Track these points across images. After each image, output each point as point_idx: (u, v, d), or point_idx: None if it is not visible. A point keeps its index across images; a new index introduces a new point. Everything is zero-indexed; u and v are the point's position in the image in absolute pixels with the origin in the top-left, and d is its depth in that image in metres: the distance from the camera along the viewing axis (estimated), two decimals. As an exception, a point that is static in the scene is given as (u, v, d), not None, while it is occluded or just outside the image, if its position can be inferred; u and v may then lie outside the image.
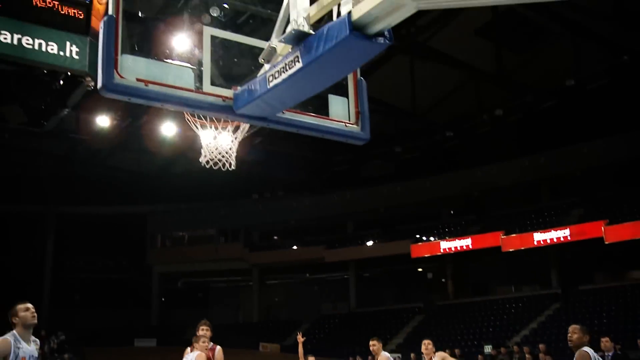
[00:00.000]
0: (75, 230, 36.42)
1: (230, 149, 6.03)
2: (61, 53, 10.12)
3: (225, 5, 6.57)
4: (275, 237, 37.84)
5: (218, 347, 7.60)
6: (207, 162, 6.16)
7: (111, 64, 4.80)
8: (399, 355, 23.08)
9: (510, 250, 26.73)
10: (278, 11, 5.02)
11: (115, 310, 35.10)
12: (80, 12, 10.54)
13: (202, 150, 6.27)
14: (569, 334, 5.91)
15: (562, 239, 24.97)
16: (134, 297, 37.18)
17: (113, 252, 37.36)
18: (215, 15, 6.13)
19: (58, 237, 35.96)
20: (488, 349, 21.20)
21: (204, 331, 7.51)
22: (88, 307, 35.69)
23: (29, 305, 4.89)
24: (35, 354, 4.87)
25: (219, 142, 6.06)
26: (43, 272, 35.40)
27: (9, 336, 4.68)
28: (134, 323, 35.53)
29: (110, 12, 4.85)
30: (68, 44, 10.23)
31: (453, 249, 28.61)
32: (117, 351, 30.42)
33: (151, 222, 37.42)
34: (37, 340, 5.00)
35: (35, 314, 4.90)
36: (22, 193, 33.40)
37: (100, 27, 4.85)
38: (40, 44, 9.89)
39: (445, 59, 23.24)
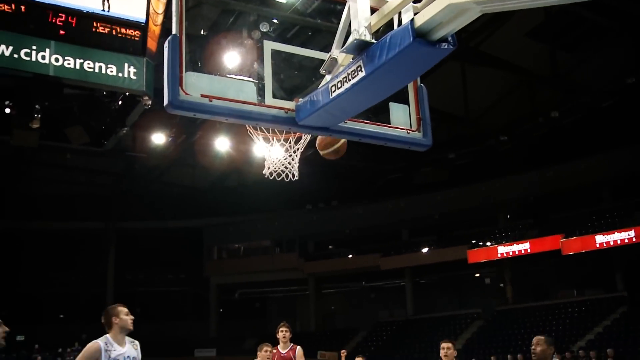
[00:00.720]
0: (134, 245, 37.28)
1: (292, 159, 6.06)
2: (120, 74, 10.43)
3: (275, 20, 6.63)
4: (330, 247, 37.86)
5: (298, 347, 7.80)
6: (271, 173, 6.20)
7: (176, 81, 4.89)
8: (460, 362, 22.71)
9: (571, 253, 26.02)
10: (327, 22, 5.03)
11: (175, 321, 35.71)
12: (136, 34, 10.84)
13: (265, 162, 6.32)
14: (533, 346, 5.44)
15: (626, 240, 24.18)
16: (193, 308, 37.78)
17: (171, 266, 38.07)
18: (265, 30, 6.19)
19: (119, 252, 36.85)
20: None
21: (283, 332, 7.77)
22: (149, 319, 36.35)
23: (128, 310, 5.00)
24: (134, 354, 4.99)
25: (281, 154, 6.09)
26: (106, 286, 36.31)
27: (100, 340, 4.77)
28: (194, 334, 36.05)
29: (174, 31, 4.94)
30: (126, 65, 10.54)
31: (511, 253, 28.06)
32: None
33: (207, 235, 37.98)
34: (136, 341, 5.05)
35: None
36: (84, 211, 34.40)
37: (165, 46, 4.95)
38: (100, 67, 10.21)
39: (497, 62, 22.90)
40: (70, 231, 35.27)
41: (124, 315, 4.86)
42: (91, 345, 4.66)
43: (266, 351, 7.74)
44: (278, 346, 8.38)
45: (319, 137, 5.89)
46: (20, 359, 29.51)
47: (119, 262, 36.80)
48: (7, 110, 10.96)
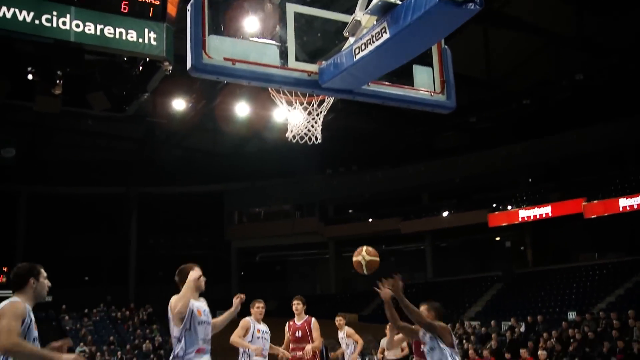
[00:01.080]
0: (156, 210, 37.71)
1: (315, 123, 6.05)
2: (140, 40, 10.40)
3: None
4: (350, 211, 37.97)
5: (313, 319, 7.93)
6: (293, 137, 6.20)
7: (199, 45, 4.88)
8: (478, 322, 22.86)
9: (593, 217, 25.84)
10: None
11: (198, 285, 36.18)
12: (156, 0, 10.76)
13: (288, 126, 6.32)
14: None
15: (650, 203, 23.94)
16: (215, 272, 38.19)
17: (193, 230, 38.49)
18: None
19: (141, 216, 37.29)
20: (572, 315, 20.66)
21: (295, 305, 7.88)
22: (172, 282, 36.90)
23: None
24: (206, 308, 5.40)
25: (304, 117, 6.08)
26: (129, 250, 36.88)
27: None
28: (215, 296, 36.47)
29: (196, -5, 4.91)
30: (146, 30, 10.49)
31: (532, 217, 27.93)
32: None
33: (228, 200, 38.27)
34: (203, 299, 5.32)
35: None
36: (106, 176, 34.76)
37: (188, 9, 4.93)
38: (120, 33, 10.18)
39: (520, 25, 22.46)
40: (92, 196, 35.73)
41: (199, 278, 5.17)
42: (182, 299, 4.96)
43: (258, 307, 7.91)
44: (294, 318, 8.52)
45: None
46: (48, 320, 30.24)
47: (141, 227, 37.28)
48: (30, 77, 11.00)
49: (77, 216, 35.33)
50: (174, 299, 4.81)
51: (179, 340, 4.59)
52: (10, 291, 3.92)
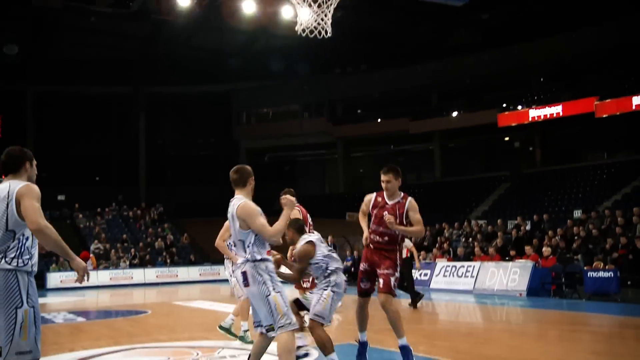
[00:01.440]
0: (164, 110, 37.65)
1: (325, 15, 5.85)
2: None
3: None
4: (359, 111, 37.74)
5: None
6: (303, 30, 6.01)
7: None
8: (485, 221, 23.19)
9: (604, 116, 25.58)
10: None
11: (206, 185, 36.64)
12: None
13: (297, 19, 6.12)
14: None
15: (663, 102, 23.58)
16: (224, 172, 38.38)
17: (201, 130, 38.52)
18: None
19: (149, 116, 37.24)
20: (577, 213, 20.90)
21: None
22: (181, 183, 37.48)
23: None
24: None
25: (314, 10, 5.88)
26: (138, 150, 37.09)
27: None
28: (225, 197, 37.01)
29: None
30: None
31: (542, 117, 27.69)
32: (211, 222, 32.05)
33: (236, 100, 38.05)
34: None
35: None
36: (113, 75, 34.39)
37: None
38: None
39: None
40: (100, 96, 35.58)
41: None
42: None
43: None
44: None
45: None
46: (63, 217, 30.93)
47: (150, 127, 37.31)
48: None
49: (85, 116, 35.35)
50: (251, 209, 4.59)
51: (250, 245, 4.51)
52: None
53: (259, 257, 4.63)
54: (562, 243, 16.63)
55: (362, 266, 5.69)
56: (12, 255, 3.50)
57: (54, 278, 23.56)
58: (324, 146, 37.76)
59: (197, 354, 6.84)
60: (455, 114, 32.12)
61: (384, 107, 35.35)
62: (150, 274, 25.03)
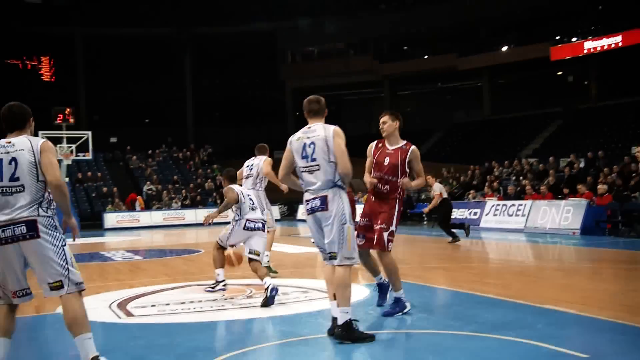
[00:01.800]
0: (208, 52, 37.59)
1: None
2: None
3: None
4: (405, 48, 36.94)
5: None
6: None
7: None
8: (536, 159, 22.69)
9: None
10: None
11: (252, 126, 36.83)
12: None
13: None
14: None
15: None
16: (270, 112, 38.63)
17: (246, 71, 38.44)
18: None
19: (194, 58, 37.31)
20: (635, 149, 20.20)
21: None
22: (228, 124, 37.76)
23: None
24: None
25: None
26: (185, 92, 37.37)
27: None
28: (272, 137, 37.26)
29: None
30: None
31: (599, 48, 26.56)
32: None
33: (281, 39, 37.71)
34: None
35: None
36: (158, 17, 34.40)
37: None
38: None
39: None
40: (145, 37, 35.66)
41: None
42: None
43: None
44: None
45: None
46: (116, 159, 31.68)
47: (195, 69, 37.45)
48: None
49: (134, 58, 35.65)
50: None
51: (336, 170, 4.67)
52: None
53: (340, 184, 4.67)
54: (619, 180, 16.16)
55: (362, 221, 5.57)
56: (46, 206, 3.77)
57: (111, 218, 24.35)
58: (370, 85, 37.31)
59: (251, 292, 7.00)
60: (505, 48, 31.18)
61: (431, 43, 34.50)
62: (201, 214, 25.48)
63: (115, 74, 35.38)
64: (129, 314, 5.90)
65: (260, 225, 6.86)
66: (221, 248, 6.99)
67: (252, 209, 6.92)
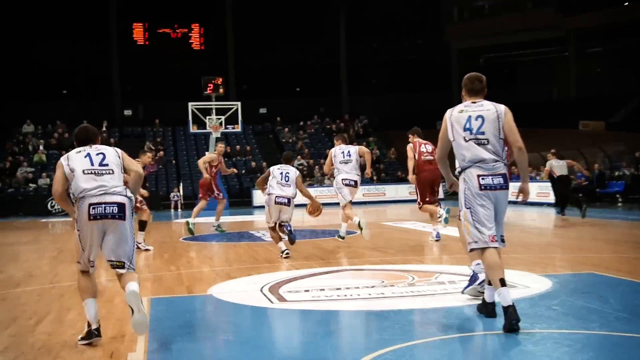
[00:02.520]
0: (364, 11, 37.65)
1: None
2: None
3: None
4: (597, -5, 34.69)
5: None
6: None
7: None
8: None
9: None
10: None
11: (413, 93, 36.53)
12: None
13: None
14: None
15: None
16: (433, 78, 38.10)
17: (407, 31, 38.13)
18: None
19: (349, 19, 37.57)
20: None
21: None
22: (385, 91, 37.75)
23: None
24: None
25: None
26: (339, 56, 37.83)
27: None
28: (434, 106, 36.75)
29: None
30: None
31: None
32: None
33: (446, -6, 37.03)
34: None
35: None
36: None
37: None
38: None
39: None
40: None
41: None
42: None
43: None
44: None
45: None
46: (265, 131, 32.94)
47: (350, 31, 37.72)
48: None
49: (282, 22, 36.62)
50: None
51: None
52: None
53: (506, 162, 4.88)
54: None
55: None
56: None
57: (261, 195, 25.31)
58: (552, 42, 35.55)
59: (413, 279, 6.94)
60: None
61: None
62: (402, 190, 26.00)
63: (265, 40, 36.57)
64: (281, 299, 6.09)
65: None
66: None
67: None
